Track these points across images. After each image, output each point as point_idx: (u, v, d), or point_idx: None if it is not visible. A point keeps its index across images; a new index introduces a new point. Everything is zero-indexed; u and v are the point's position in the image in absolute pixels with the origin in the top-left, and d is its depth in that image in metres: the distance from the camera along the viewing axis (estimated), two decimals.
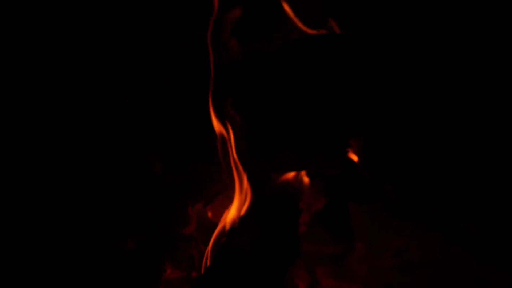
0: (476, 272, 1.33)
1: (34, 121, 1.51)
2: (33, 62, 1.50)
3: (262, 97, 1.36)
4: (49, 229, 1.48)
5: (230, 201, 1.37)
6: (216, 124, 1.35)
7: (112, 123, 1.54)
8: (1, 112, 1.49)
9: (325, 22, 1.44)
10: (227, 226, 1.34)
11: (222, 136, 1.34)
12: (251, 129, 1.34)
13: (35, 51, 1.50)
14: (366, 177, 1.41)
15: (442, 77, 1.37)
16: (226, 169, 1.35)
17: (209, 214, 1.54)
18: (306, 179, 1.37)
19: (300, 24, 1.43)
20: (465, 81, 1.35)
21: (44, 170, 1.50)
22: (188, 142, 1.54)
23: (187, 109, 1.51)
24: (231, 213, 1.35)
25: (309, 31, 1.44)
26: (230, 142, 1.33)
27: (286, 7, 1.43)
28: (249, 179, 1.31)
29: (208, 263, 1.36)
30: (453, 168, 1.35)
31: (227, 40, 1.45)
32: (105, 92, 1.54)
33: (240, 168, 1.32)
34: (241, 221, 1.29)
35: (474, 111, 1.35)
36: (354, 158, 1.39)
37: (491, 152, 1.34)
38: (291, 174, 1.37)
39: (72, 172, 1.52)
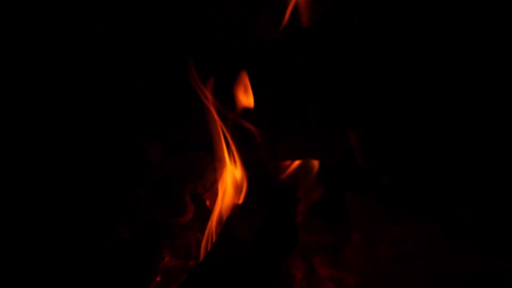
0: (473, 263, 1.33)
1: (29, 111, 1.51)
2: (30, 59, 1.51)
3: (261, 88, 1.36)
4: (43, 218, 1.48)
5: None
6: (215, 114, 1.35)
7: (110, 111, 1.54)
8: None
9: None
10: (224, 215, 1.34)
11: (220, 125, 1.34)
12: (250, 119, 1.35)
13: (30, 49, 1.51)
14: (364, 168, 1.41)
15: (437, 69, 1.37)
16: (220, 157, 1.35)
17: (207, 203, 1.54)
18: (304, 168, 1.37)
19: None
20: (459, 74, 1.35)
21: (40, 161, 1.50)
22: (186, 130, 1.54)
23: (187, 97, 1.50)
24: (227, 202, 1.35)
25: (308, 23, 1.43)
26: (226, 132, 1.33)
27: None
28: (246, 167, 1.31)
29: (205, 251, 1.37)
30: (450, 159, 1.36)
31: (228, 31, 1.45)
32: (104, 81, 1.54)
33: (236, 156, 1.31)
34: (239, 210, 1.29)
35: (468, 102, 1.35)
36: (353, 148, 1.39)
37: (488, 145, 1.35)
38: (290, 163, 1.37)
39: (68, 160, 1.52)
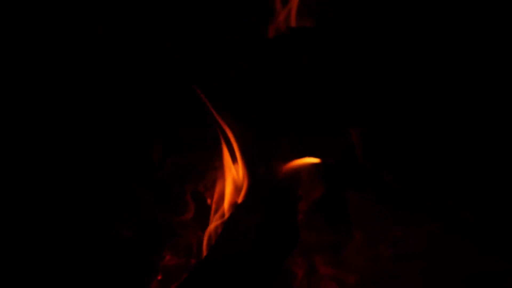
0: (473, 263, 1.34)
1: (29, 110, 1.51)
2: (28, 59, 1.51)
3: (262, 85, 1.36)
4: (44, 217, 1.48)
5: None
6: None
7: (111, 111, 1.55)
8: None
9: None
10: (225, 213, 1.34)
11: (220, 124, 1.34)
12: (252, 117, 1.35)
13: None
14: (366, 167, 1.41)
15: (437, 69, 1.36)
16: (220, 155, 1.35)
17: (208, 201, 1.54)
18: (304, 168, 1.37)
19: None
20: (459, 73, 1.35)
21: (41, 161, 1.51)
22: (186, 130, 1.55)
23: (188, 96, 1.50)
24: (228, 200, 1.35)
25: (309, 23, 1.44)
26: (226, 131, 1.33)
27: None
28: (246, 165, 1.31)
29: (206, 250, 1.37)
30: (450, 159, 1.36)
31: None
32: (104, 81, 1.54)
33: (237, 154, 1.31)
34: (240, 208, 1.29)
35: (468, 102, 1.35)
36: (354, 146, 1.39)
37: (488, 145, 1.34)
38: (290, 161, 1.37)
39: (69, 159, 1.52)
